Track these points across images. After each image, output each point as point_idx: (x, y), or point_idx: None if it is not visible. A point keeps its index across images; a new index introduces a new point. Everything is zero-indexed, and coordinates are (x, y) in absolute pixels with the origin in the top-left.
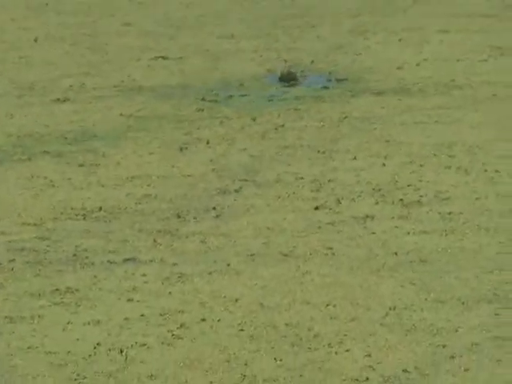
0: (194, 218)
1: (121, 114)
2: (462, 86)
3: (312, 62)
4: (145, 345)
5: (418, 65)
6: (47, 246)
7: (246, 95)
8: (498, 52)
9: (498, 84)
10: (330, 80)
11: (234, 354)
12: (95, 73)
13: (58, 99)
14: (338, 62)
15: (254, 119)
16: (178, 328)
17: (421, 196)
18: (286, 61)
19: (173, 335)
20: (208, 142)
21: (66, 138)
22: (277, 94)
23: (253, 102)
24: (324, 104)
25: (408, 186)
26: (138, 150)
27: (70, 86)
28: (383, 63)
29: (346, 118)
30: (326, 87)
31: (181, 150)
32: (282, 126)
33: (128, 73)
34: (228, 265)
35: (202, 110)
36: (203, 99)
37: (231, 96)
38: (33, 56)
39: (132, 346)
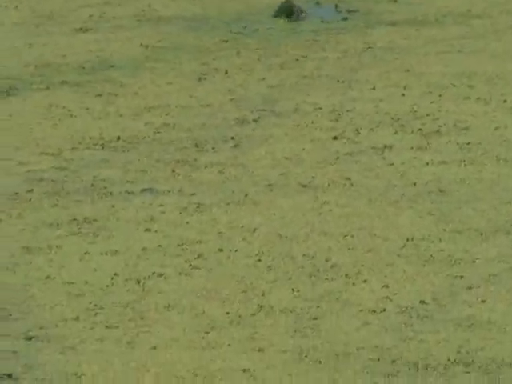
0: (213, 148)
1: (141, 45)
2: (480, 16)
3: None
4: (162, 275)
5: None
6: (65, 176)
7: (257, 29)
8: None
9: None
10: (340, 12)
11: (251, 284)
12: (115, 2)
13: (77, 29)
14: None
15: (272, 50)
16: (195, 258)
17: (440, 126)
18: None
19: (190, 265)
20: (226, 72)
21: (83, 68)
22: (290, 28)
23: (269, 35)
24: (341, 36)
25: (427, 115)
26: (156, 80)
27: (90, 15)
28: None
29: (369, 48)
30: (344, 18)
31: (199, 79)
32: (304, 56)
33: (148, 2)
34: (246, 195)
35: (226, 41)
36: (225, 30)
37: (247, 27)
38: None
39: (149, 276)
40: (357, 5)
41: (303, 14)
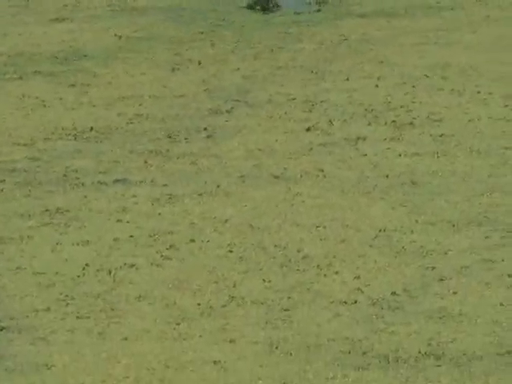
0: (185, 138)
1: (115, 35)
2: (454, 7)
3: None
4: (133, 266)
5: None
6: (37, 166)
7: (232, 21)
8: None
9: (490, 4)
10: (310, 3)
11: (223, 275)
12: None
13: (53, 19)
14: None
15: (247, 41)
16: (167, 249)
17: (413, 118)
18: None
19: (162, 256)
20: (200, 63)
21: (56, 58)
22: (264, 19)
23: (243, 26)
24: (314, 27)
25: (400, 107)
26: (129, 70)
27: (65, 5)
28: None
29: (344, 40)
30: (317, 10)
31: (172, 70)
32: (278, 47)
33: None
34: (218, 186)
35: (200, 33)
36: (199, 22)
37: (221, 19)
38: None
39: (121, 266)
40: None
41: (277, 7)
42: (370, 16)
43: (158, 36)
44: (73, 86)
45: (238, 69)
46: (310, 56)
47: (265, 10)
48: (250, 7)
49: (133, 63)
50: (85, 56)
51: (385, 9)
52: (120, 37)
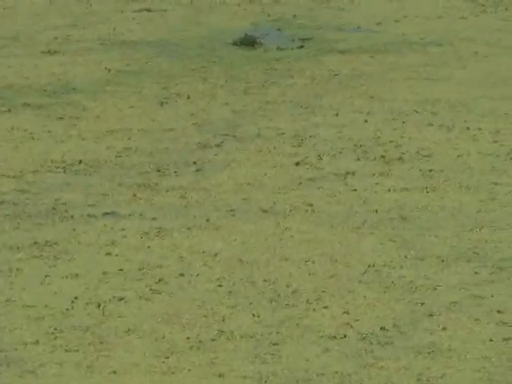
0: (175, 172)
1: (104, 68)
2: (441, 44)
3: (294, 16)
4: (123, 299)
5: (396, 21)
6: (26, 198)
7: (220, 56)
8: (479, 9)
9: (478, 41)
10: (293, 40)
11: (212, 309)
12: (81, 25)
13: (43, 51)
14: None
15: (235, 77)
16: (156, 283)
17: (402, 153)
18: (269, 15)
19: (151, 290)
20: (189, 97)
21: (45, 91)
22: (252, 55)
23: (231, 62)
24: (302, 63)
25: (390, 142)
26: (118, 104)
27: (55, 38)
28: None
29: (335, 75)
30: (300, 46)
31: (161, 104)
32: (267, 82)
33: (114, 26)
34: (207, 220)
35: (189, 67)
36: (188, 56)
37: (210, 54)
38: (17, 7)
39: (110, 300)
40: (305, 33)
41: (260, 44)
42: (354, 52)
43: (147, 70)
44: (61, 118)
45: (227, 103)
46: (299, 91)
47: (249, 46)
48: (235, 44)
49: (121, 97)
50: (73, 89)
51: (364, 46)
52: (109, 70)
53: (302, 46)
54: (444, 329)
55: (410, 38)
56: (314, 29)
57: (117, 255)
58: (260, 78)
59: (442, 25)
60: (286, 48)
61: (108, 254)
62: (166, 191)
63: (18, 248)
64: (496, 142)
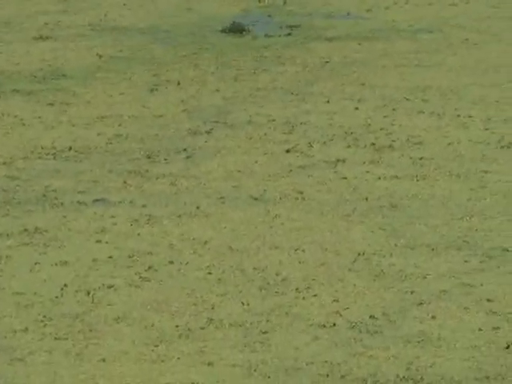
0: (165, 159)
1: (95, 54)
2: (432, 30)
3: (284, 3)
4: (112, 286)
5: (386, 8)
6: (16, 185)
7: (211, 42)
8: None
9: (468, 28)
10: (281, 27)
11: (202, 297)
12: (72, 10)
13: (35, 37)
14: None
15: (225, 64)
16: (145, 270)
17: (393, 140)
18: (259, 1)
19: (140, 277)
20: (179, 83)
21: (35, 77)
22: (242, 42)
23: (222, 49)
24: (292, 50)
25: (380, 129)
26: (108, 90)
27: (46, 23)
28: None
29: (327, 62)
30: (288, 34)
31: (152, 90)
32: (258, 69)
33: (105, 11)
34: (197, 207)
35: (179, 53)
36: (179, 43)
37: (200, 40)
38: None
39: (99, 287)
40: (294, 20)
41: (248, 31)
42: (342, 39)
43: (137, 56)
44: (52, 105)
45: (218, 90)
46: (290, 78)
47: (237, 33)
48: (224, 31)
49: (111, 83)
50: (64, 75)
51: (352, 33)
52: (100, 56)
53: (289, 34)
54: (433, 317)
55: (399, 25)
56: (303, 16)
57: (107, 242)
58: (251, 65)
59: (433, 12)
60: (273, 35)
61: (98, 241)
62: (157, 178)
63: (7, 235)
64: (487, 129)
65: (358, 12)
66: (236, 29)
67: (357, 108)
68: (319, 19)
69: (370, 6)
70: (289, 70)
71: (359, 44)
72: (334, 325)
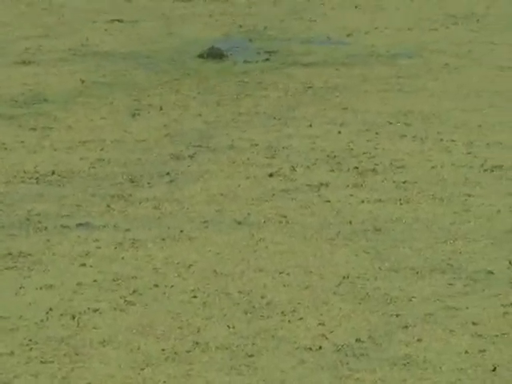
0: (148, 183)
1: (77, 79)
2: (411, 56)
3: (265, 28)
4: (97, 310)
5: (366, 33)
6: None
7: (192, 67)
8: (451, 21)
9: (448, 52)
10: (258, 53)
11: (187, 320)
12: (53, 35)
13: (17, 62)
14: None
15: (207, 88)
16: (130, 294)
17: (376, 164)
18: (241, 26)
19: (125, 301)
20: (161, 108)
21: (16, 101)
22: (222, 67)
23: (204, 74)
24: (272, 75)
25: (363, 153)
26: (89, 115)
27: (27, 48)
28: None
29: (309, 87)
30: (266, 59)
31: (133, 115)
32: (240, 94)
33: (86, 36)
34: (181, 231)
35: (161, 79)
36: (161, 68)
37: (181, 65)
38: None
39: (84, 311)
40: (272, 45)
41: (225, 57)
42: (318, 65)
43: (119, 81)
44: (34, 129)
45: (200, 114)
46: (272, 103)
47: (217, 58)
48: (201, 56)
49: (93, 107)
50: (45, 100)
51: (329, 59)
52: (82, 81)
53: (267, 59)
54: (419, 340)
55: (378, 50)
56: (282, 41)
57: (91, 266)
58: (233, 90)
59: (413, 36)
60: (251, 61)
61: (82, 264)
62: (140, 202)
63: None
64: (469, 153)
65: (339, 37)
66: (215, 54)
67: (339, 132)
68: (298, 44)
69: (351, 31)
70: (271, 95)
71: (336, 69)
72: (320, 348)
